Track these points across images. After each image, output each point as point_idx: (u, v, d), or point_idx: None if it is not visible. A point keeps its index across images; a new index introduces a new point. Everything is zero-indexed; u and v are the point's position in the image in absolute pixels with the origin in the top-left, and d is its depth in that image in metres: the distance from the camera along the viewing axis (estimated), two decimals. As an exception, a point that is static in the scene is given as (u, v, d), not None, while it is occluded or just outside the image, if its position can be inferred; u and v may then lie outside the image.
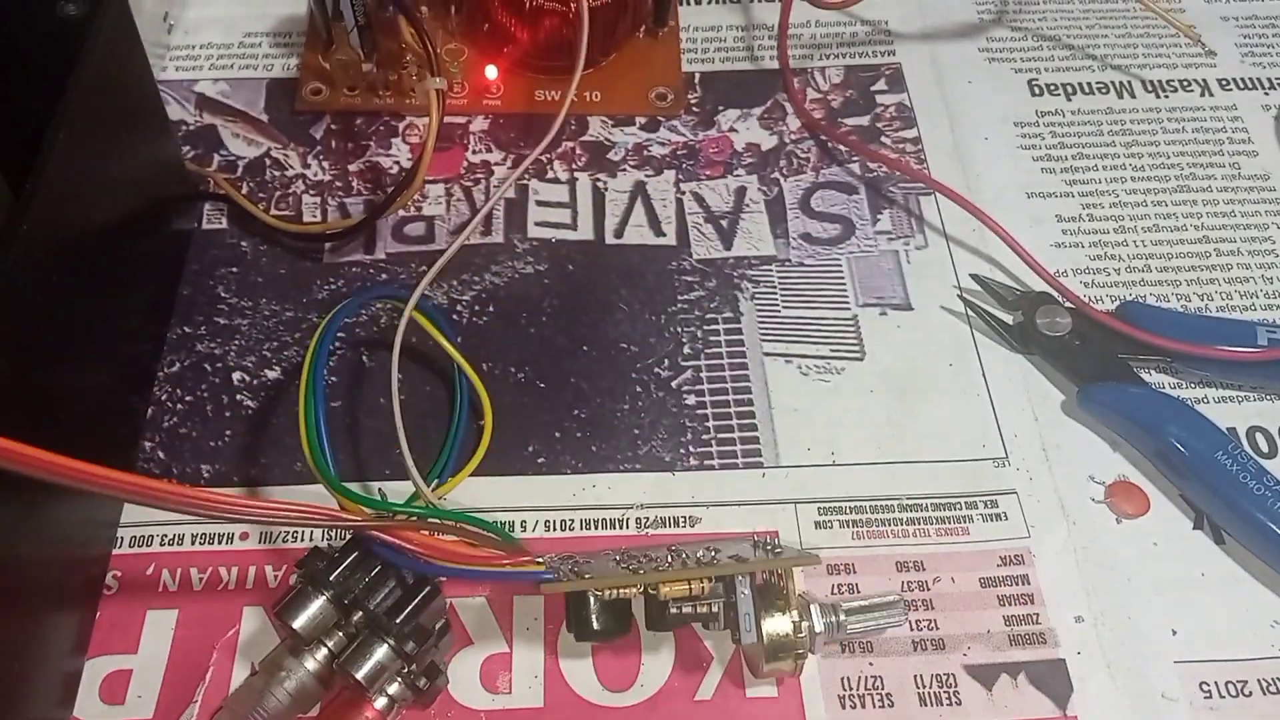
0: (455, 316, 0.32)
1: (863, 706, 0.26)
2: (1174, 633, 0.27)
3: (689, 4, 0.39)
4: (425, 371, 0.31)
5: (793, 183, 0.35)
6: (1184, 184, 0.35)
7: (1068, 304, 0.32)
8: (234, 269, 0.33)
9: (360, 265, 0.33)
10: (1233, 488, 0.28)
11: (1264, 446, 0.30)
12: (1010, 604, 0.28)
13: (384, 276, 0.33)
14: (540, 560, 0.25)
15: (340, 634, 0.25)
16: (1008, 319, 0.32)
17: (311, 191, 0.34)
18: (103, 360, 0.28)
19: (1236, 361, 0.31)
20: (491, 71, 0.37)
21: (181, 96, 0.36)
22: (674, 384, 0.31)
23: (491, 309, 0.32)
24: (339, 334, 0.31)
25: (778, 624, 0.24)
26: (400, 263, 0.33)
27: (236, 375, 0.31)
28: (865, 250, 0.34)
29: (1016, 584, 0.28)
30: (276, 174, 0.35)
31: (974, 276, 0.33)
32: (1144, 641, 0.27)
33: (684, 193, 0.35)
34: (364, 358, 0.31)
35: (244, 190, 0.34)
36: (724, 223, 0.34)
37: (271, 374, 0.31)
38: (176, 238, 0.33)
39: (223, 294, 0.32)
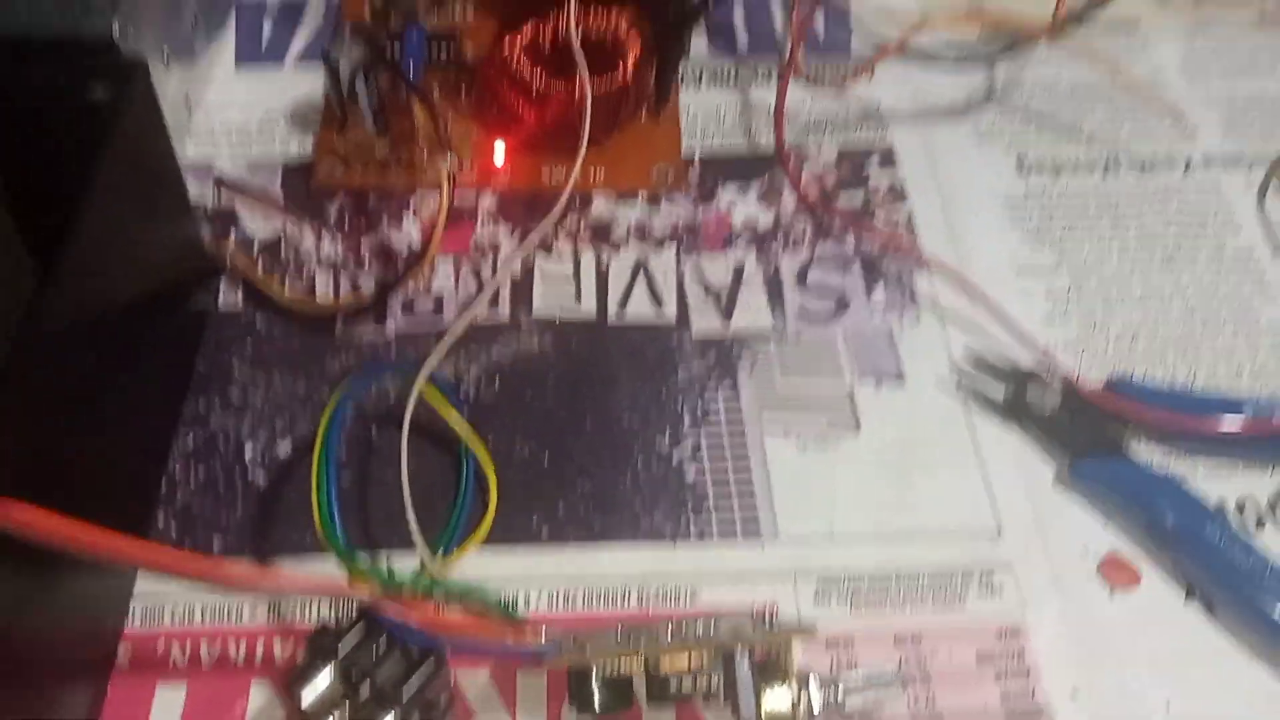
0: (462, 391, 0.33)
1: (861, 779, 0.26)
2: (1168, 705, 0.28)
3: (689, 86, 0.41)
4: (432, 445, 0.32)
5: (789, 258, 0.36)
6: (1170, 259, 0.36)
7: (1058, 379, 0.33)
8: (249, 345, 0.34)
9: (371, 340, 0.34)
10: (1222, 561, 0.29)
11: (1253, 518, 0.31)
12: (1006, 678, 0.28)
13: (394, 352, 0.34)
14: (542, 636, 0.25)
15: (348, 704, 0.25)
16: (1000, 393, 0.33)
17: (325, 269, 0.35)
18: (120, 434, 0.29)
19: (1224, 435, 0.31)
20: (500, 150, 0.38)
21: (200, 176, 0.37)
22: (674, 458, 0.32)
23: (497, 383, 0.33)
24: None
25: (777, 699, 0.25)
26: (410, 337, 0.34)
27: (248, 449, 0.32)
28: (860, 325, 0.35)
29: (1012, 658, 0.28)
30: (291, 251, 0.36)
31: (967, 350, 0.34)
32: (1139, 715, 0.28)
33: (684, 268, 0.36)
34: (373, 431, 0.32)
35: (260, 267, 0.35)
36: (723, 297, 0.36)
37: (282, 447, 0.32)
38: (194, 314, 0.34)
39: (237, 369, 0.33)
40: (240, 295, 0.35)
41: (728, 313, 0.35)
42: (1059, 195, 0.38)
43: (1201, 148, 0.39)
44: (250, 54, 0.41)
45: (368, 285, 0.35)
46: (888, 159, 0.39)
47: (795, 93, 0.39)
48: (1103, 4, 0.42)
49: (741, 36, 0.42)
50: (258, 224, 0.36)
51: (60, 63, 0.31)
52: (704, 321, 0.35)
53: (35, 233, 0.28)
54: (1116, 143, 0.39)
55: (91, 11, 0.34)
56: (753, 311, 0.35)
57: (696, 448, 0.32)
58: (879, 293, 0.35)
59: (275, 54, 0.41)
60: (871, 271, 0.36)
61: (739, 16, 0.43)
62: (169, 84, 0.36)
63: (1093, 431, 0.32)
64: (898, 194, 0.38)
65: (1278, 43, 0.43)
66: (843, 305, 0.35)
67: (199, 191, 0.37)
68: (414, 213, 0.37)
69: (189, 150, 0.38)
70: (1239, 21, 0.44)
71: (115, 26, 0.33)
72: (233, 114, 0.39)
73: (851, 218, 0.37)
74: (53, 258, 0.26)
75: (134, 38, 0.34)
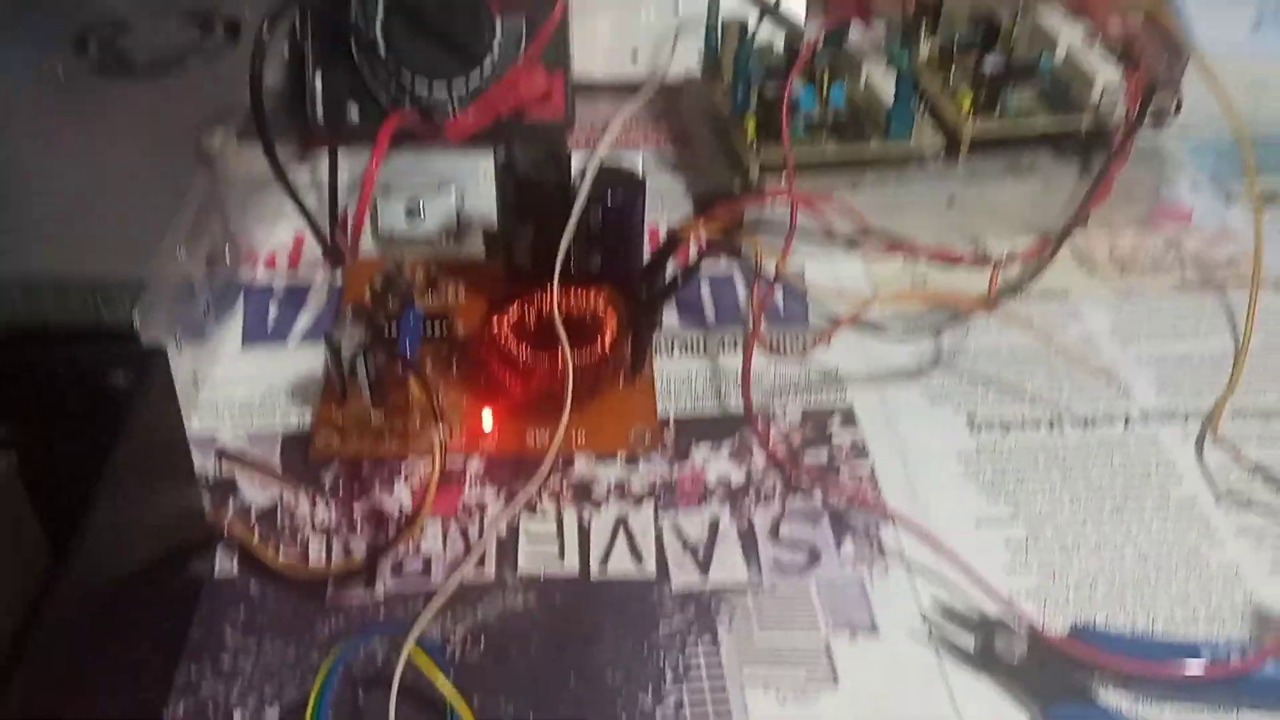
0: (448, 652, 0.34)
1: None
2: None
3: (662, 355, 0.44)
4: (419, 708, 0.32)
5: (762, 513, 0.38)
6: (1118, 509, 0.38)
7: (1024, 627, 0.34)
8: (242, 611, 0.35)
9: (361, 602, 0.35)
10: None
11: (1225, 764, 0.32)
12: None
13: (383, 613, 0.35)
14: None
15: None
16: (970, 642, 0.34)
17: (319, 534, 0.37)
18: (114, 702, 0.30)
19: (1186, 680, 0.32)
20: (488, 417, 0.41)
21: (203, 448, 0.40)
22: (657, 715, 0.33)
23: (483, 642, 0.34)
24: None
25: None
26: (399, 598, 0.35)
27: (236, 716, 0.32)
28: (832, 577, 0.36)
29: None
30: (287, 519, 0.38)
31: (935, 600, 0.35)
32: None
33: (662, 524, 0.38)
34: (360, 694, 0.33)
35: (255, 535, 0.37)
36: (700, 551, 0.37)
37: (270, 715, 0.32)
38: (191, 581, 0.35)
39: (229, 636, 0.34)
40: (236, 562, 0.36)
41: (705, 566, 0.37)
42: (1009, 450, 0.40)
43: (1138, 404, 0.42)
44: (256, 334, 0.45)
45: (359, 549, 0.37)
46: (849, 418, 0.42)
47: (760, 360, 0.43)
48: (1034, 277, 0.46)
49: (709, 310, 0.46)
50: (256, 492, 0.38)
51: (83, 349, 0.34)
52: (683, 576, 0.36)
53: (51, 510, 0.30)
54: (1058, 402, 0.42)
55: (113, 303, 0.37)
56: (729, 565, 0.37)
57: (679, 704, 0.33)
58: (848, 545, 0.37)
59: (280, 334, 0.45)
60: (840, 525, 0.38)
61: (706, 292, 0.47)
62: (180, 365, 0.39)
63: (1061, 679, 0.33)
64: (860, 451, 0.40)
65: (1199, 306, 0.47)
66: (814, 558, 0.37)
67: (200, 462, 0.39)
68: (405, 478, 0.39)
69: (194, 424, 0.40)
70: (1162, 287, 0.48)
71: (135, 317, 0.36)
72: (237, 390, 0.42)
73: (818, 474, 0.39)
74: (67, 538, 0.27)
75: (152, 326, 0.37)
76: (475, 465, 0.39)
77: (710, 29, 0.52)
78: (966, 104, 0.48)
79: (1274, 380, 0.43)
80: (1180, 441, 0.41)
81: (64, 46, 0.49)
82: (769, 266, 0.43)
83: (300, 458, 0.39)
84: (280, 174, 0.43)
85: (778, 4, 0.53)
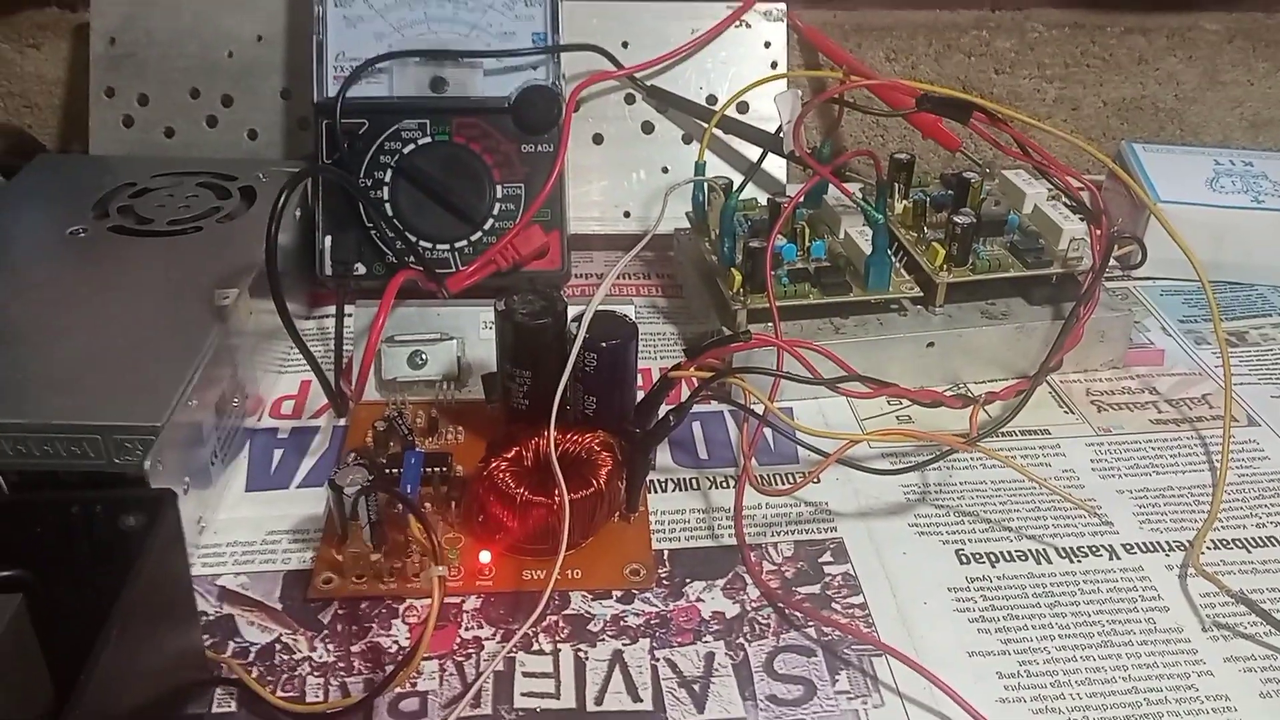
0: (445, 790, 0.34)
1: None
2: None
3: (656, 491, 0.45)
4: None
5: (756, 647, 0.39)
6: (1107, 640, 0.39)
7: (1019, 757, 0.34)
8: (239, 750, 0.35)
9: (357, 742, 0.35)
10: None
11: None
12: None
13: (379, 753, 0.35)
14: None
15: None
16: (966, 774, 0.34)
17: (316, 673, 0.37)
18: None
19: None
20: (485, 556, 0.41)
21: (205, 589, 0.40)
22: None
23: (479, 782, 0.34)
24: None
25: None
26: (395, 738, 0.35)
27: None
28: (827, 710, 0.36)
29: None
30: (285, 657, 0.38)
31: (930, 733, 0.36)
32: None
33: (658, 659, 0.38)
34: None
35: (254, 674, 0.37)
36: (696, 687, 0.37)
37: None
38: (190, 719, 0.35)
39: (225, 776, 0.34)
40: (235, 701, 0.36)
41: (701, 703, 0.37)
42: (998, 582, 0.41)
43: (1121, 537, 0.43)
44: (260, 479, 0.46)
45: (357, 688, 0.37)
46: (840, 552, 0.42)
47: (751, 496, 0.44)
48: (1013, 415, 0.48)
49: (701, 449, 0.48)
50: (255, 632, 0.39)
51: (96, 493, 0.35)
52: (679, 713, 0.36)
53: (58, 649, 0.30)
54: (1044, 535, 0.43)
55: (126, 450, 0.39)
56: (725, 701, 0.37)
57: (676, 842, 0.33)
58: (843, 679, 0.37)
59: (283, 479, 0.46)
60: (834, 658, 0.38)
61: (697, 431, 0.48)
62: (186, 509, 0.40)
63: (1059, 810, 0.33)
64: (852, 583, 0.41)
65: (1176, 441, 0.49)
66: (810, 692, 0.37)
67: (202, 603, 0.39)
68: (403, 617, 0.39)
69: (197, 566, 0.41)
70: (1139, 424, 0.50)
71: (147, 463, 0.38)
72: (240, 533, 0.43)
73: (811, 608, 0.40)
74: (74, 680, 0.28)
75: (162, 472, 0.38)
76: (472, 603, 0.40)
77: (697, 188, 0.56)
78: (940, 256, 0.51)
79: (1251, 512, 0.44)
80: (1164, 571, 0.42)
81: (87, 210, 0.52)
82: (758, 407, 0.45)
83: (300, 597, 0.40)
84: (290, 327, 0.45)
85: (759, 165, 0.57)
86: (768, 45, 0.62)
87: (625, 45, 0.61)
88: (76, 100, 0.66)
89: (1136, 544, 0.43)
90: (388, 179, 0.54)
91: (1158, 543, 0.43)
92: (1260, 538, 0.43)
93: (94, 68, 0.61)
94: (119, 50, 0.61)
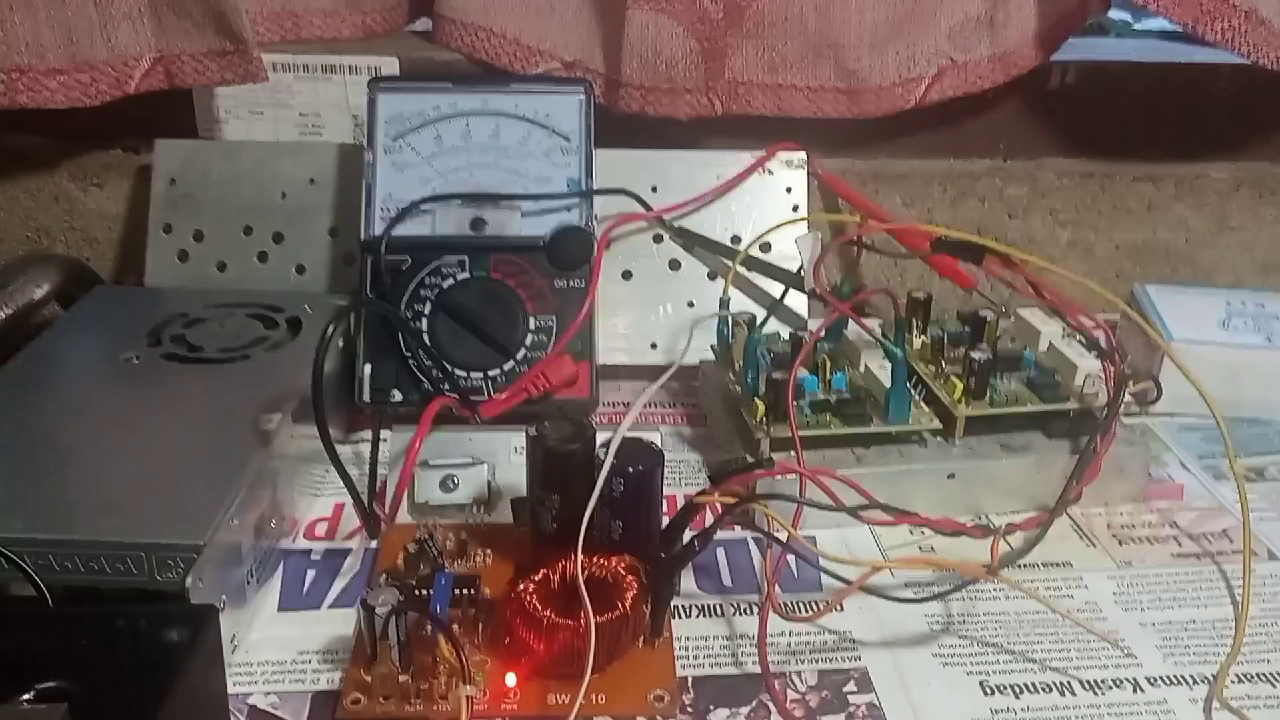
0: None
1: None
2: None
3: (680, 617, 0.46)
4: None
5: (781, 779, 0.39)
6: (1134, 773, 0.39)
7: None
8: None
9: None
10: None
11: None
12: None
13: None
14: None
15: None
16: None
17: (343, 793, 0.38)
18: None
19: None
20: (511, 679, 0.42)
21: (236, 708, 0.41)
22: None
23: None
24: None
25: None
26: None
27: None
28: (852, 843, 0.36)
29: None
30: (313, 777, 0.38)
31: None
32: None
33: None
34: None
35: (281, 793, 0.37)
36: (720, 819, 0.37)
37: None
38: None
39: None
40: (260, 821, 0.37)
41: (724, 833, 0.37)
42: (1023, 714, 0.41)
43: (1145, 669, 0.43)
44: (292, 598, 0.47)
45: (382, 810, 0.37)
46: (864, 682, 0.43)
47: (775, 623, 0.44)
48: (1034, 547, 0.48)
49: (725, 575, 0.48)
50: (284, 752, 0.39)
51: (139, 608, 0.37)
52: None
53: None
54: (1067, 667, 0.43)
55: (168, 567, 0.40)
56: (748, 832, 0.37)
57: None
58: (867, 811, 0.37)
59: (314, 599, 0.47)
60: (858, 790, 0.38)
61: (722, 558, 0.49)
62: (221, 627, 0.41)
63: None
64: (877, 714, 0.41)
65: (1197, 574, 0.49)
66: (834, 824, 0.37)
67: (233, 721, 0.40)
68: (430, 739, 0.40)
69: (230, 685, 0.42)
70: (1160, 558, 0.50)
71: (189, 581, 0.39)
72: (271, 652, 0.44)
73: (835, 738, 0.40)
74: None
75: (202, 590, 0.40)
76: (498, 727, 0.40)
77: (722, 321, 0.58)
78: (958, 390, 0.53)
79: (1276, 646, 0.44)
80: (1189, 705, 0.41)
81: (141, 338, 0.55)
82: (781, 534, 0.46)
83: (329, 717, 0.40)
84: (331, 451, 0.47)
85: (782, 301, 0.59)
86: (789, 190, 0.66)
87: (654, 189, 0.64)
88: (135, 235, 0.69)
89: (1160, 677, 0.43)
90: (427, 311, 0.57)
91: (1182, 676, 0.43)
92: (1286, 673, 0.43)
93: (153, 206, 0.65)
94: (178, 190, 0.65)
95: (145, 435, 0.47)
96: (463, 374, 0.57)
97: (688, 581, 0.48)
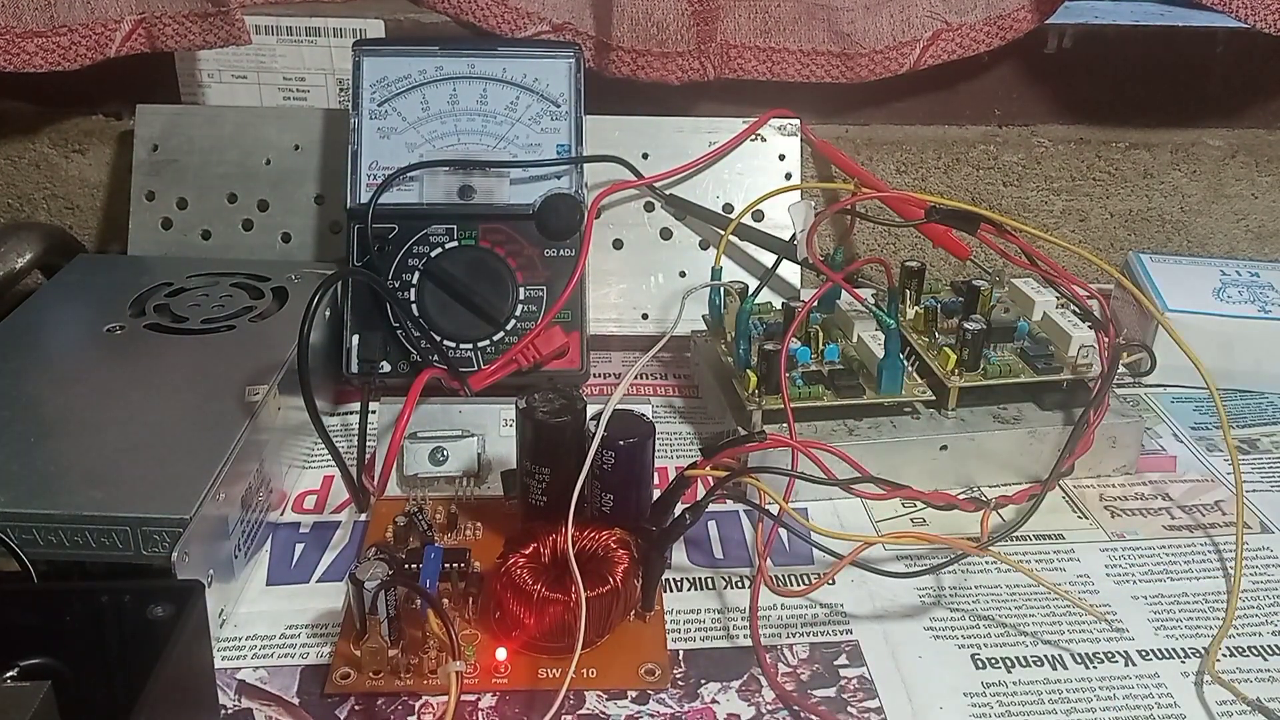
0: None
1: None
2: None
3: (672, 590, 0.46)
4: None
5: (772, 752, 0.39)
6: (1125, 746, 0.39)
7: None
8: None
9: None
10: None
11: None
12: None
13: None
14: None
15: None
16: None
17: (332, 768, 0.37)
18: None
19: None
20: (501, 654, 0.42)
21: (225, 683, 0.40)
22: None
23: None
24: None
25: None
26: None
27: None
28: (843, 817, 0.36)
29: None
30: (302, 752, 0.38)
31: (947, 841, 0.35)
32: None
33: (673, 763, 0.38)
34: None
35: (270, 768, 0.37)
36: (711, 792, 0.37)
37: None
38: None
39: None
40: (249, 797, 0.36)
41: (715, 808, 0.37)
42: (1014, 688, 0.41)
43: (1136, 643, 0.43)
44: (281, 573, 0.46)
45: (371, 785, 0.37)
46: (855, 655, 0.42)
47: (766, 596, 0.44)
48: (1026, 520, 0.48)
49: (716, 549, 0.48)
50: (273, 727, 0.39)
51: (125, 584, 0.36)
52: (693, 817, 0.36)
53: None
54: (1059, 640, 0.43)
55: (154, 542, 0.39)
56: (739, 806, 0.37)
57: None
58: (858, 784, 0.37)
59: (303, 573, 0.46)
60: (849, 763, 0.38)
61: (713, 531, 0.49)
62: (208, 601, 0.41)
63: None
64: (867, 687, 0.41)
65: (1189, 547, 0.49)
66: (824, 797, 0.37)
67: (221, 697, 0.40)
68: (419, 715, 0.40)
69: (218, 660, 0.41)
70: (1152, 530, 0.50)
71: (174, 555, 0.39)
72: (260, 627, 0.43)
73: (826, 711, 0.40)
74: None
75: (188, 564, 0.39)
76: (488, 701, 0.40)
77: (714, 292, 0.58)
78: (952, 361, 0.52)
79: (1267, 619, 0.44)
80: (1180, 679, 0.41)
81: (124, 309, 0.54)
82: (773, 507, 0.46)
83: (317, 692, 0.40)
84: (318, 424, 0.46)
85: (774, 271, 0.58)
86: (782, 158, 0.65)
87: (645, 156, 0.63)
88: (117, 203, 0.68)
89: (1152, 650, 0.43)
90: (415, 281, 0.56)
91: (1173, 649, 0.43)
92: (1276, 645, 0.43)
93: (136, 172, 0.64)
94: (161, 156, 0.64)
95: (129, 407, 0.46)
96: (451, 345, 0.56)
97: (679, 555, 0.47)
